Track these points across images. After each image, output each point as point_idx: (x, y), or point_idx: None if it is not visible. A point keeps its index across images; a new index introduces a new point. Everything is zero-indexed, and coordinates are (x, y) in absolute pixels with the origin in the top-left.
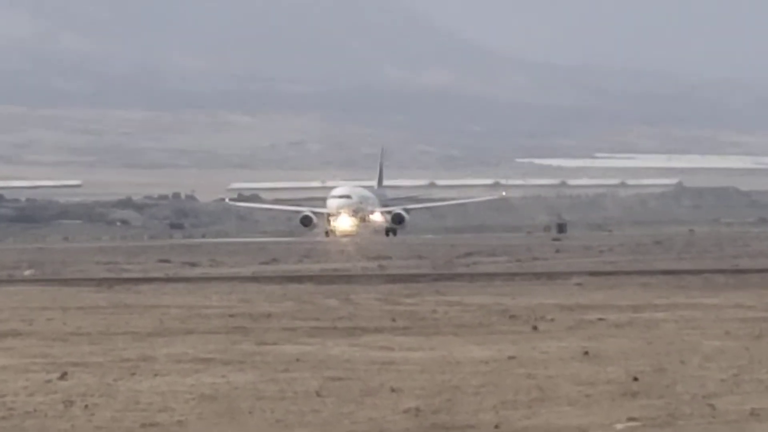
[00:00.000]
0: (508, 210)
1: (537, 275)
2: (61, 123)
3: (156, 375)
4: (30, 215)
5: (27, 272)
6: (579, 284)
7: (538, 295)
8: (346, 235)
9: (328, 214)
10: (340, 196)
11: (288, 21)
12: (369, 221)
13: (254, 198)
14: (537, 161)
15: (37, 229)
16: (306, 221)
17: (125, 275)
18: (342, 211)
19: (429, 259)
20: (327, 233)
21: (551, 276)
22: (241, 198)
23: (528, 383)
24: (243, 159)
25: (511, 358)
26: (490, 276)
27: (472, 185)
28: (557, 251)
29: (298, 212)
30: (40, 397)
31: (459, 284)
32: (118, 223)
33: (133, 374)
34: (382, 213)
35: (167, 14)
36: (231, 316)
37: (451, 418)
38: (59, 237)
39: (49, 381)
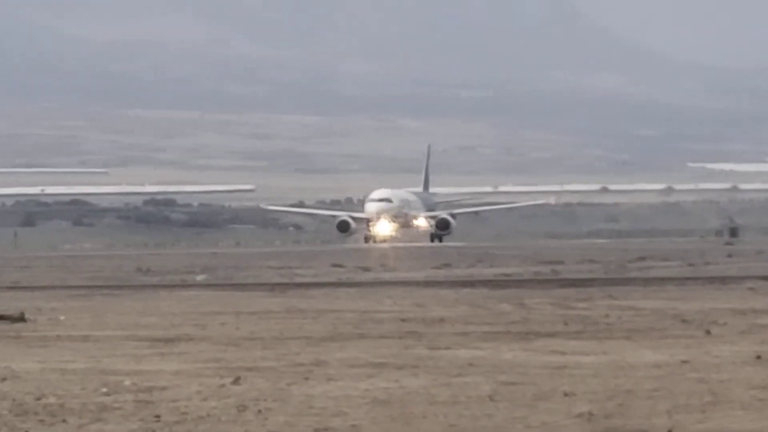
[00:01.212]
0: (680, 214)
1: (709, 279)
2: (234, 128)
3: (329, 379)
4: (202, 220)
5: (200, 277)
6: (752, 289)
7: (710, 299)
8: (385, 241)
9: (368, 219)
10: (380, 200)
11: (456, 25)
12: (413, 226)
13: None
14: (709, 166)
15: (209, 234)
16: (343, 226)
17: (298, 280)
18: (381, 215)
19: (601, 264)
20: (366, 239)
21: (724, 280)
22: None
23: (701, 387)
24: (414, 164)
25: (683, 362)
26: (663, 280)
27: (643, 190)
28: (729, 255)
29: (335, 217)
30: (214, 401)
31: (631, 288)
32: (291, 228)
33: (307, 379)
34: (426, 218)
35: (339, 20)
36: (404, 320)
37: (624, 422)
38: (232, 242)
39: (222, 386)
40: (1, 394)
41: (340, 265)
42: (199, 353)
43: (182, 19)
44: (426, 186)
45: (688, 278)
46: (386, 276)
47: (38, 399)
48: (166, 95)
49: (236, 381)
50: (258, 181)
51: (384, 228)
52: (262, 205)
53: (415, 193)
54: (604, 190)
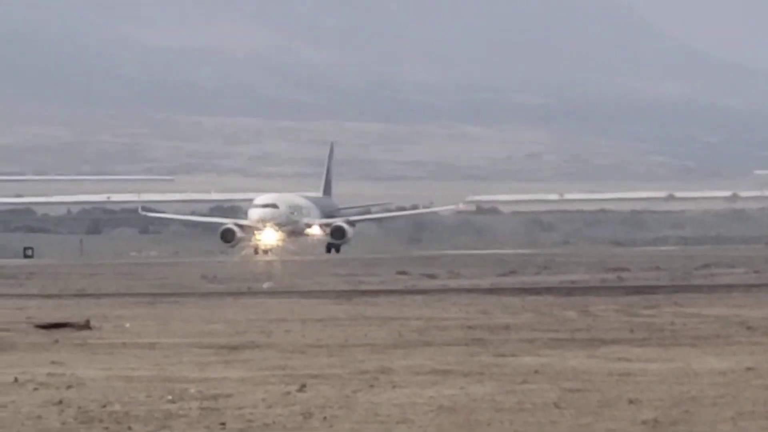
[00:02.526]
0: (746, 221)
1: None
2: (298, 135)
3: (395, 387)
4: None
5: (266, 285)
6: None
7: None
8: (268, 252)
9: (255, 228)
10: (264, 206)
11: (520, 32)
12: (307, 235)
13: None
14: None
15: None
16: (228, 236)
17: (363, 287)
18: (266, 223)
19: (667, 271)
20: (256, 250)
21: None
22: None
23: (766, 394)
24: (479, 171)
25: (749, 369)
26: (728, 287)
27: (709, 197)
28: None
29: (220, 224)
30: (279, 409)
31: (697, 296)
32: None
33: (372, 386)
34: (321, 226)
35: (402, 27)
36: (469, 327)
37: (689, 429)
38: (298, 250)
39: (287, 393)
40: (66, 401)
41: (405, 273)
42: (264, 360)
43: (246, 27)
44: (326, 190)
45: (753, 285)
46: (452, 283)
47: (104, 406)
48: (231, 102)
49: (302, 388)
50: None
51: (269, 237)
52: (140, 211)
53: (311, 199)
54: (670, 197)
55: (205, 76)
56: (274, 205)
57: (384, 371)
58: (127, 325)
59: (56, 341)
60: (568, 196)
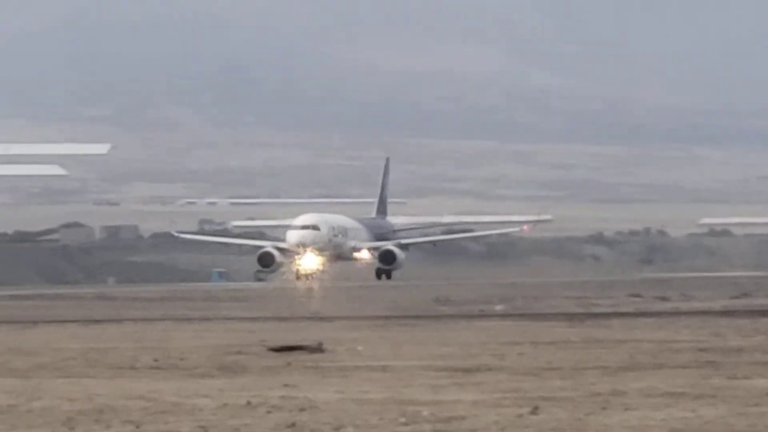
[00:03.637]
0: None
1: None
2: (532, 158)
3: (627, 409)
4: (501, 250)
5: (498, 307)
6: None
7: None
8: (308, 278)
9: (295, 252)
10: (303, 227)
11: (757, 55)
12: (355, 259)
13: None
14: None
15: (507, 265)
16: (266, 260)
17: (596, 310)
18: (305, 247)
19: None
20: (298, 275)
21: None
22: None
23: None
24: (713, 194)
25: None
26: None
27: None
28: None
29: (258, 247)
30: (512, 431)
31: None
32: (590, 259)
33: (604, 408)
34: (370, 250)
35: (638, 50)
36: (701, 350)
37: None
38: (530, 272)
39: (520, 416)
40: (299, 424)
41: (638, 295)
42: (497, 383)
43: (479, 50)
44: (381, 210)
45: None
46: (684, 306)
47: (336, 429)
48: (464, 125)
49: (534, 411)
50: (557, 212)
51: (309, 262)
52: (174, 232)
53: (361, 220)
54: None
55: (438, 99)
56: (314, 227)
57: (616, 394)
58: (360, 348)
59: (289, 364)
60: None
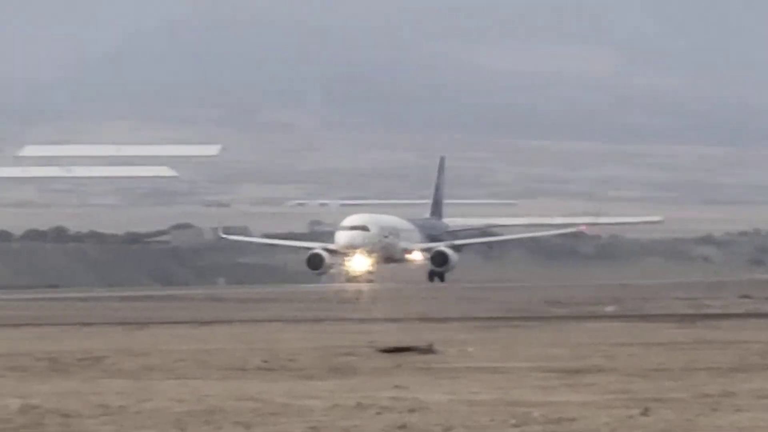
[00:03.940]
0: None
1: None
2: (641, 159)
3: (737, 410)
4: (610, 252)
5: (609, 308)
6: None
7: None
8: (358, 280)
9: (344, 254)
10: (352, 227)
11: None
12: (407, 261)
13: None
14: None
15: (617, 267)
16: (315, 262)
17: (706, 311)
18: (354, 248)
19: None
20: (349, 278)
21: None
22: None
23: None
24: None
25: None
26: None
27: None
28: None
29: (307, 249)
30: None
31: None
32: (700, 260)
33: (715, 410)
34: (422, 251)
35: (745, 51)
36: None
37: None
38: (640, 273)
39: (630, 417)
40: (409, 425)
41: (748, 296)
42: (607, 384)
43: (587, 50)
44: (435, 210)
45: None
46: None
47: (446, 430)
48: (573, 126)
49: (645, 412)
50: (667, 213)
51: (359, 263)
52: (221, 234)
53: (414, 221)
54: None
55: (548, 101)
56: (364, 228)
57: (726, 395)
58: (470, 349)
59: (399, 365)
60: None
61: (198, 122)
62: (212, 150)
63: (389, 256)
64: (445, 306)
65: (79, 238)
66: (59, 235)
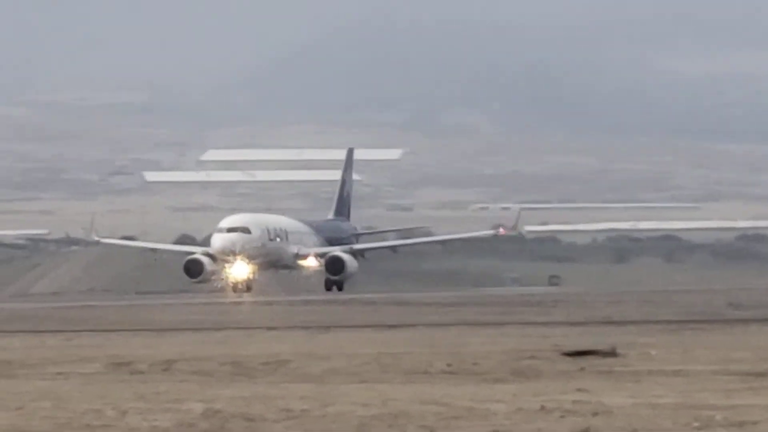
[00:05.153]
0: None
1: None
2: None
3: None
4: None
5: None
6: None
7: None
8: (239, 290)
9: (223, 260)
10: (230, 229)
11: None
12: (300, 267)
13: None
14: None
15: None
16: (193, 269)
17: None
18: (233, 253)
19: None
20: (234, 287)
21: None
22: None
23: None
24: None
25: None
26: None
27: None
28: None
29: (187, 254)
30: None
31: None
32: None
33: None
34: (317, 256)
35: None
36: None
37: None
38: None
39: None
40: (593, 428)
41: None
42: None
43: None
44: (340, 211)
45: None
46: None
47: None
48: (758, 129)
49: None
50: None
51: (239, 271)
52: (95, 237)
53: (310, 222)
54: None
55: (733, 103)
56: (244, 229)
57: None
58: (653, 352)
59: (582, 369)
60: None
61: (380, 126)
62: (394, 154)
63: (276, 261)
64: (627, 309)
65: None
66: None
